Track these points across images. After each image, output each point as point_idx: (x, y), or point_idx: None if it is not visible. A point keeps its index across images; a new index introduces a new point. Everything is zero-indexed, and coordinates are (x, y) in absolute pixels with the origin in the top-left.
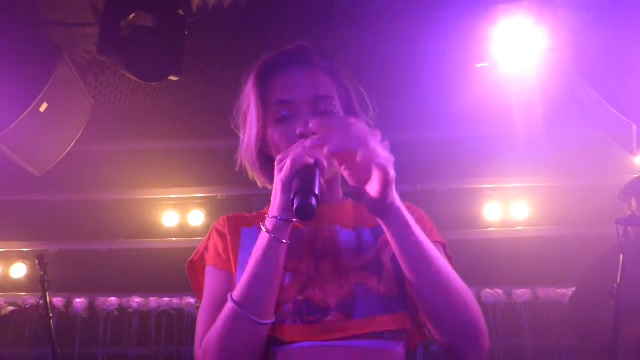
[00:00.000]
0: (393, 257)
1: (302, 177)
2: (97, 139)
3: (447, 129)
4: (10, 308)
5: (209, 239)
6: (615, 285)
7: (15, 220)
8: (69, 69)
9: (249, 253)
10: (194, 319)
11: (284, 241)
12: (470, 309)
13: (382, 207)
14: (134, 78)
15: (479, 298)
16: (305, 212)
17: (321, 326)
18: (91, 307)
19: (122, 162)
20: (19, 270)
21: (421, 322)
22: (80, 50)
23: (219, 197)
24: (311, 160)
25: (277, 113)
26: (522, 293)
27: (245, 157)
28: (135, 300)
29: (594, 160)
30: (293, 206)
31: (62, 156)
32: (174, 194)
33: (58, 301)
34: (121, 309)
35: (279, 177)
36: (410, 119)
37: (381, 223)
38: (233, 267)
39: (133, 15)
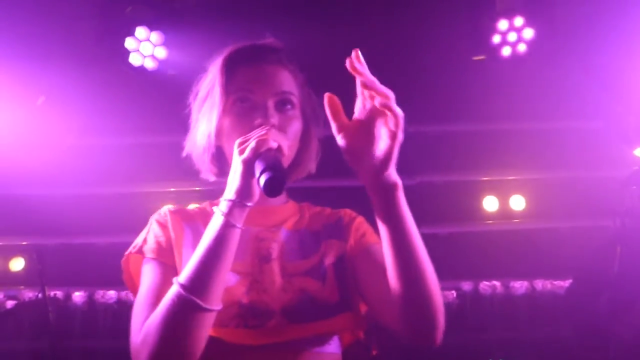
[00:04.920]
0: (336, 262)
1: (267, 158)
2: (96, 133)
3: (445, 122)
4: (10, 302)
5: (148, 231)
6: (613, 276)
7: (14, 214)
8: (69, 63)
9: (193, 248)
10: None
11: (238, 226)
12: (439, 305)
13: (383, 173)
14: (132, 71)
15: (476, 290)
16: (275, 185)
17: (264, 330)
18: (90, 300)
19: (121, 155)
20: (17, 264)
21: (358, 322)
22: (80, 43)
23: (217, 191)
24: (275, 144)
25: (238, 102)
26: (519, 285)
27: (199, 142)
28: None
29: (592, 152)
30: (261, 180)
31: (60, 149)
32: (173, 187)
33: (56, 295)
34: (120, 302)
35: (240, 158)
36: (407, 111)
37: (375, 199)
38: (176, 262)
39: (130, 8)
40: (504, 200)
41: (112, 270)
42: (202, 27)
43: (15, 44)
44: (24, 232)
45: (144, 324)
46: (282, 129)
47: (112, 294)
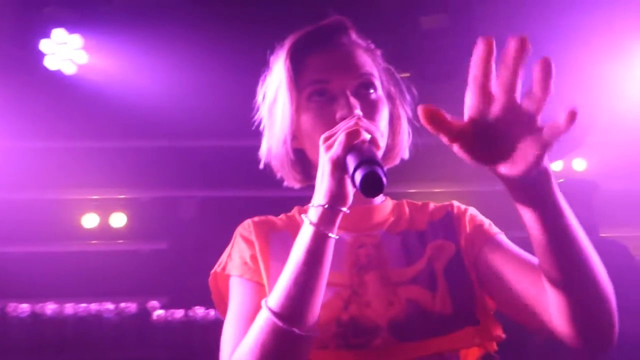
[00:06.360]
0: (447, 267)
1: (360, 151)
2: (10, 135)
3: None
4: None
5: (232, 246)
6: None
7: None
8: None
9: (281, 261)
10: (114, 326)
11: (332, 235)
12: (610, 303)
13: (534, 171)
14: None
15: None
16: (373, 184)
17: (369, 351)
18: (1, 314)
19: (39, 159)
20: None
21: (485, 336)
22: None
23: (142, 199)
24: (368, 136)
25: (313, 96)
26: None
27: (275, 149)
28: (49, 307)
29: None
30: (357, 177)
31: None
32: (95, 194)
33: None
34: (35, 315)
35: (327, 156)
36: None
37: (522, 196)
38: (263, 278)
39: (49, 8)
40: None
41: (26, 281)
42: (128, 32)
43: None
44: None
45: (234, 353)
46: (368, 117)
47: (25, 307)
